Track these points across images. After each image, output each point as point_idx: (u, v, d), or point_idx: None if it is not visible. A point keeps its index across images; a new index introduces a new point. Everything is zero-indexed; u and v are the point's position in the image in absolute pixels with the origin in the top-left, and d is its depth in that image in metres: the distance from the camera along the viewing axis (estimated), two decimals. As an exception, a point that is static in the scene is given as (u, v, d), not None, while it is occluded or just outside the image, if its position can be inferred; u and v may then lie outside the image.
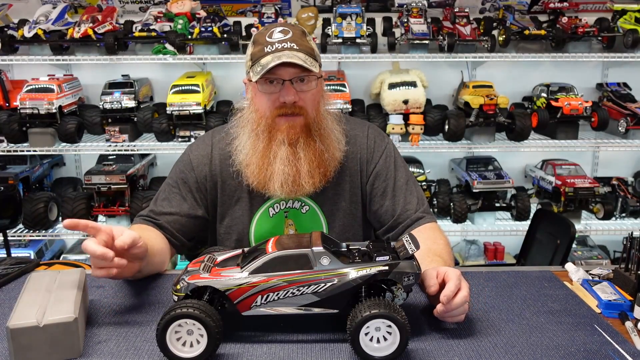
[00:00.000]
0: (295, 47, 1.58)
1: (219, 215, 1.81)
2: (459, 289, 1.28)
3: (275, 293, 1.22)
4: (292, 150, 1.63)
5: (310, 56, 1.60)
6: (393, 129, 3.44)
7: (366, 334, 1.16)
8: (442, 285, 1.32)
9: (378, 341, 1.17)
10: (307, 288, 1.22)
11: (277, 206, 1.77)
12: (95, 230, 1.33)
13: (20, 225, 3.43)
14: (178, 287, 1.26)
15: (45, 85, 3.42)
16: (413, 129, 3.45)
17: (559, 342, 1.27)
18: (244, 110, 1.73)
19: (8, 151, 3.45)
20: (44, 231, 3.47)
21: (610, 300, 1.42)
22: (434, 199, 3.64)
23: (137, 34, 3.50)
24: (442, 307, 1.28)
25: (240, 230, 1.78)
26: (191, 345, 1.17)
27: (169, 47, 3.44)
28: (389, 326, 1.15)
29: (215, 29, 3.45)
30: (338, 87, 3.47)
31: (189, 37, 3.47)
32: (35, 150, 3.46)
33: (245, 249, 1.39)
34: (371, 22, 3.72)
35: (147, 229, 1.70)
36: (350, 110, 3.41)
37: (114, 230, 1.35)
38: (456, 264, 3.65)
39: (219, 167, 1.77)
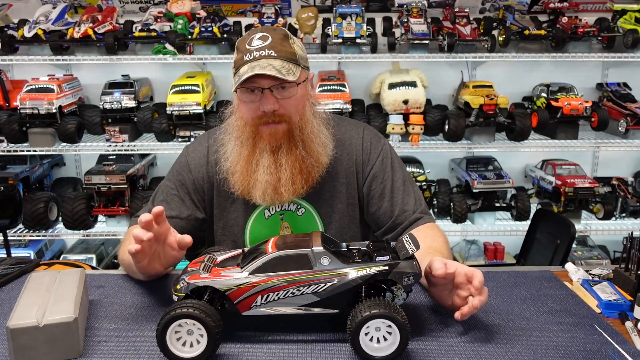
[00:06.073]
0: (273, 54, 1.54)
1: (215, 217, 1.80)
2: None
3: (275, 293, 1.22)
4: (275, 158, 1.62)
5: (291, 61, 1.56)
6: (393, 129, 3.44)
7: (366, 334, 1.16)
8: (448, 277, 1.30)
9: (378, 341, 1.17)
10: (307, 288, 1.22)
11: (272, 208, 1.76)
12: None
13: (20, 225, 3.43)
14: (178, 287, 1.26)
15: (45, 85, 3.42)
16: (413, 129, 3.45)
17: (559, 342, 1.27)
18: (231, 117, 1.71)
19: (8, 151, 3.45)
20: (44, 231, 3.47)
21: (610, 300, 1.42)
22: (434, 199, 3.64)
23: (137, 34, 3.50)
24: (468, 309, 1.26)
25: (235, 232, 1.78)
26: (191, 345, 1.17)
27: (169, 47, 3.44)
28: (389, 326, 1.15)
29: (215, 29, 3.45)
30: (338, 87, 3.46)
31: (189, 37, 3.47)
32: (35, 150, 3.46)
33: (245, 249, 1.39)
34: (371, 22, 3.72)
35: None
36: (350, 110, 3.41)
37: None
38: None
39: (215, 169, 1.76)
